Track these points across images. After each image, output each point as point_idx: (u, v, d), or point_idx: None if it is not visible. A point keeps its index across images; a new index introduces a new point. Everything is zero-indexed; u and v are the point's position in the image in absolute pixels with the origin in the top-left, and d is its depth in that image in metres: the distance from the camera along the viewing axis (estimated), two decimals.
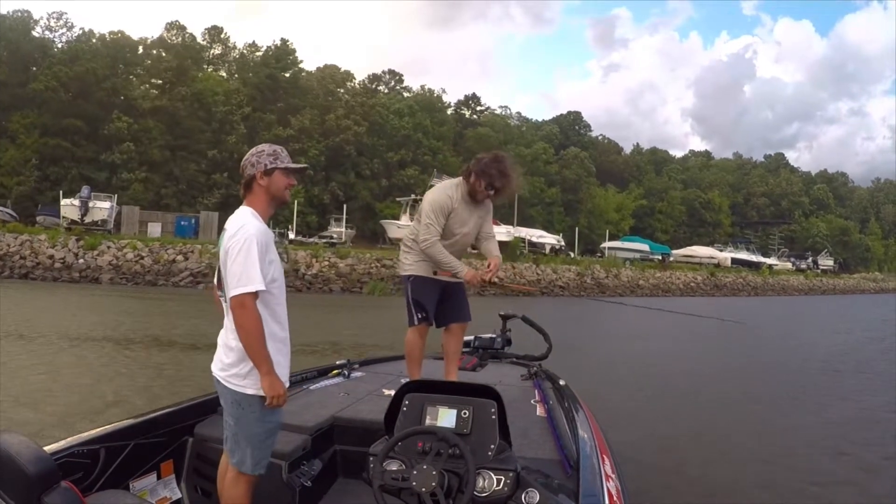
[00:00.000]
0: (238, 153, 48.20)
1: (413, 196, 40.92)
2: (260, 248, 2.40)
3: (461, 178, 3.89)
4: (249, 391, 2.45)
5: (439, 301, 4.00)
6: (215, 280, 2.62)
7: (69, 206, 32.17)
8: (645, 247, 54.17)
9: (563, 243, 48.23)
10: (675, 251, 59.56)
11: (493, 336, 4.97)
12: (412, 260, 3.93)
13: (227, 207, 46.23)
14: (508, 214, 54.26)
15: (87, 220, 31.83)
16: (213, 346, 2.62)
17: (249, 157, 2.57)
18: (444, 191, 3.88)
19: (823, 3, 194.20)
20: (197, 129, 48.75)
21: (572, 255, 48.26)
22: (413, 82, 72.00)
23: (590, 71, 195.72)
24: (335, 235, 38.32)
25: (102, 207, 32.65)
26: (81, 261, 27.98)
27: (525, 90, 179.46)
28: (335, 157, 50.65)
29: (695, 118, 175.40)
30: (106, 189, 42.36)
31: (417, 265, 3.92)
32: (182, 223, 39.55)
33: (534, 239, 45.40)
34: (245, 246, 2.37)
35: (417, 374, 3.97)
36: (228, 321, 2.47)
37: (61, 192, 35.26)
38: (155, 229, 37.57)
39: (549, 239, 46.91)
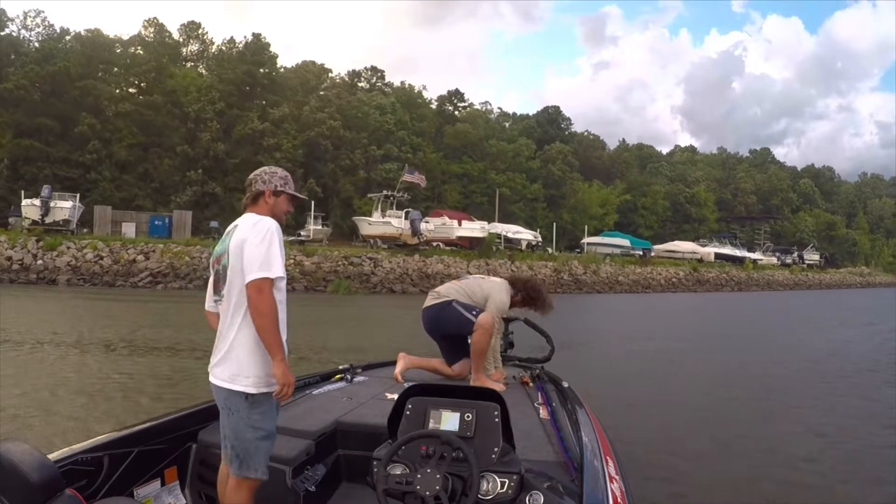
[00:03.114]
0: (213, 150, 47.68)
1: (384, 192, 40.33)
2: (279, 241, 2.48)
3: (508, 284, 4.67)
4: (236, 387, 2.46)
5: None
6: (210, 287, 2.67)
7: (30, 206, 31.60)
8: (626, 242, 53.76)
9: (539, 239, 47.70)
10: (656, 246, 59.18)
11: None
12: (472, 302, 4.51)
13: (201, 206, 45.69)
14: (490, 211, 53.87)
15: (49, 220, 31.25)
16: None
17: (261, 174, 2.66)
18: (506, 295, 4.58)
19: (813, 1, 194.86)
20: (171, 126, 48.17)
21: (550, 250, 47.78)
22: (400, 80, 71.23)
23: (580, 68, 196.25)
24: (303, 233, 37.73)
25: (64, 207, 32.06)
26: (40, 262, 27.48)
27: (514, 87, 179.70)
28: (312, 153, 50.09)
29: (684, 115, 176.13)
30: (79, 189, 41.79)
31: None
32: (156, 223, 38.92)
33: (510, 235, 44.90)
34: (268, 235, 2.43)
35: None
36: (229, 322, 2.49)
37: (23, 192, 34.61)
38: (129, 229, 36.96)
39: (525, 235, 46.35)
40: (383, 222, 37.80)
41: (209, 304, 2.72)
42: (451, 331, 4.50)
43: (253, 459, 2.48)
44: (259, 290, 2.37)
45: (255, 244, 2.41)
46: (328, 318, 18.17)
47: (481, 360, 4.34)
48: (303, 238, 36.78)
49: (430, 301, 4.58)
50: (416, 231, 36.29)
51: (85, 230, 35.10)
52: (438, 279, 33.01)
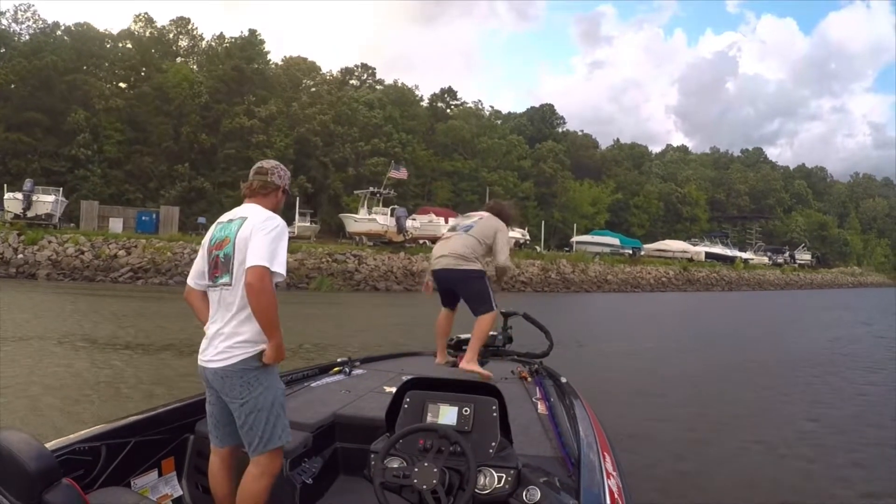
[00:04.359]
0: (197, 143, 47.45)
1: (370, 189, 40.10)
2: (286, 242, 2.51)
3: (493, 215, 4.82)
4: (252, 352, 2.48)
5: None
6: (205, 270, 2.62)
7: (12, 200, 31.39)
8: (615, 241, 53.58)
9: (527, 237, 47.57)
10: (646, 245, 59.06)
11: (494, 333, 4.98)
12: (479, 265, 4.61)
13: (188, 202, 45.51)
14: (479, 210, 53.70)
15: (31, 213, 31.04)
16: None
17: (278, 169, 2.71)
18: (506, 229, 4.79)
19: (807, 1, 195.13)
20: (159, 121, 47.94)
21: (538, 249, 47.66)
22: (392, 78, 71.01)
23: (574, 67, 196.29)
24: (288, 229, 37.47)
25: (46, 201, 31.84)
26: (20, 256, 27.31)
27: (509, 87, 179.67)
28: (302, 149, 49.90)
29: (678, 115, 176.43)
30: (67, 184, 41.61)
31: (483, 268, 4.67)
32: (143, 218, 38.83)
33: None
34: (279, 232, 2.46)
35: None
36: (235, 312, 2.48)
37: (5, 185, 34.40)
38: (116, 224, 36.79)
39: (513, 232, 46.25)
40: (369, 219, 37.57)
41: (195, 282, 2.70)
42: (465, 294, 4.69)
43: (280, 423, 2.52)
44: (261, 278, 2.37)
45: (261, 236, 2.43)
46: (312, 315, 18.07)
47: (480, 346, 4.54)
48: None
49: (455, 265, 4.56)
50: (401, 228, 36.15)
51: (72, 225, 34.94)
52: (424, 277, 32.90)
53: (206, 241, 2.68)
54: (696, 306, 32.10)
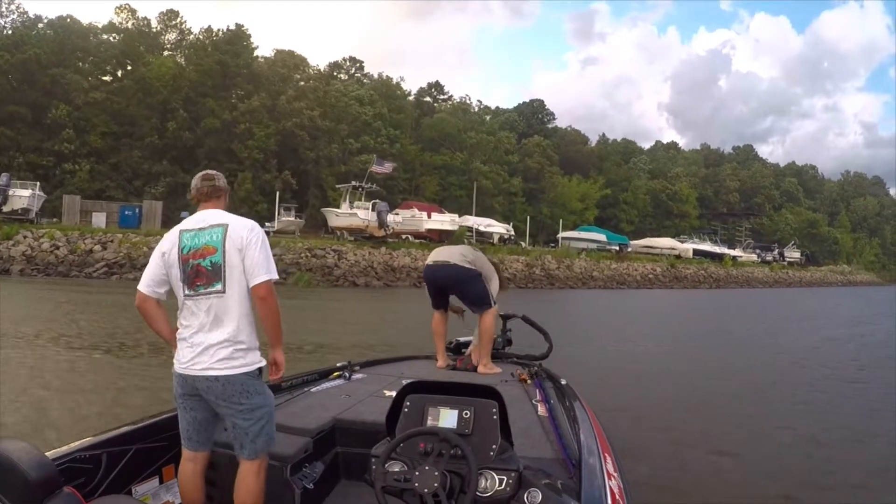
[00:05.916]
0: (180, 140, 47.13)
1: (353, 183, 39.76)
2: None
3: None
4: (253, 367, 2.58)
5: None
6: (180, 280, 2.60)
7: None
8: (602, 237, 53.39)
9: (512, 232, 47.35)
10: (634, 242, 58.88)
11: (494, 336, 5.01)
12: (477, 270, 4.88)
13: (174, 197, 45.14)
14: (468, 205, 53.52)
15: (6, 208, 30.77)
16: None
17: (220, 176, 2.81)
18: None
19: (800, 1, 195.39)
20: (143, 116, 47.57)
21: (523, 244, 47.48)
22: (375, 71, 70.41)
23: (567, 64, 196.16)
24: (268, 224, 36.96)
25: (23, 196, 31.57)
26: None
27: (502, 83, 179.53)
28: (287, 143, 49.52)
29: (670, 112, 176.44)
30: (52, 179, 41.18)
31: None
32: (126, 213, 38.40)
33: (482, 228, 44.55)
34: (264, 239, 2.61)
35: None
36: (228, 317, 2.55)
37: None
38: (99, 219, 36.38)
39: (497, 228, 46.03)
40: (350, 214, 37.20)
41: (153, 290, 2.66)
42: (461, 294, 4.91)
43: (272, 426, 2.63)
44: (269, 290, 2.57)
45: (258, 249, 2.57)
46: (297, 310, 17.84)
47: (490, 346, 4.73)
48: (267, 229, 36.26)
49: (459, 261, 4.82)
50: (382, 223, 35.83)
51: (55, 220, 34.63)
52: (405, 272, 32.72)
53: (169, 248, 2.62)
54: (684, 304, 32.01)
